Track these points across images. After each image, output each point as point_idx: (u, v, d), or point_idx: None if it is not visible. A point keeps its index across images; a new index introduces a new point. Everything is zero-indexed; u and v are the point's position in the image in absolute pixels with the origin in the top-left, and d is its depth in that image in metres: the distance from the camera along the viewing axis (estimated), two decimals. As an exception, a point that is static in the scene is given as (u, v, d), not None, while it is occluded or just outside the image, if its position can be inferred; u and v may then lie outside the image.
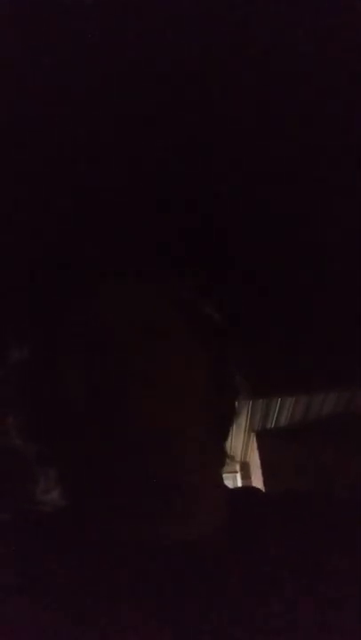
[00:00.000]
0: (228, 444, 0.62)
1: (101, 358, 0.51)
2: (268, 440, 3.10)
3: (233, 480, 3.51)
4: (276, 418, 2.94)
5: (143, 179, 0.58)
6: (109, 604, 0.45)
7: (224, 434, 0.60)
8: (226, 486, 0.58)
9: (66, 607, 0.44)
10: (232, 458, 3.57)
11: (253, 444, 3.19)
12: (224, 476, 0.58)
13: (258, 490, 0.60)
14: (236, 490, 0.59)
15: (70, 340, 0.55)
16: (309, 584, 0.48)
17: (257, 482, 3.23)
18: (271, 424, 3.01)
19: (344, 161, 0.58)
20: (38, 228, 0.56)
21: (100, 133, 0.55)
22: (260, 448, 3.10)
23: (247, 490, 0.61)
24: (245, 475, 3.44)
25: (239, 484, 3.41)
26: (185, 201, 0.60)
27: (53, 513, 0.55)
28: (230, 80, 0.54)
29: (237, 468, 3.51)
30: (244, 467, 3.46)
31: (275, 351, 0.61)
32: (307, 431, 2.95)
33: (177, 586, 0.46)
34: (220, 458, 0.58)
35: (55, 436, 0.53)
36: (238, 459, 3.50)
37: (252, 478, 3.34)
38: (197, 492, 0.51)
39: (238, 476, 3.49)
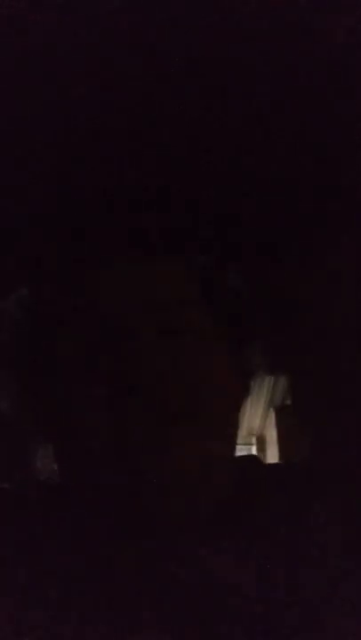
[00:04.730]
0: (246, 417, 0.62)
1: (104, 336, 0.51)
2: (285, 416, 3.10)
3: (248, 451, 3.54)
4: (297, 395, 2.93)
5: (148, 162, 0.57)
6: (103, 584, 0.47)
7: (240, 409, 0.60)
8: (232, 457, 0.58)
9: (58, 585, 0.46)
10: (250, 430, 3.59)
11: (272, 419, 3.19)
12: (239, 447, 0.59)
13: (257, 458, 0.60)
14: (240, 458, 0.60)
15: (73, 314, 0.54)
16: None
17: (271, 456, 3.25)
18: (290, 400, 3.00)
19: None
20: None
21: (102, 126, 0.54)
22: (277, 424, 3.10)
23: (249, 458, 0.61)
24: (260, 448, 3.46)
25: (253, 456, 3.44)
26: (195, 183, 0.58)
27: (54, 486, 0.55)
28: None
29: (253, 440, 3.54)
30: (259, 440, 3.48)
31: (303, 326, 0.60)
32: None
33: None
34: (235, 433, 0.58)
35: (52, 410, 0.53)
36: (255, 432, 3.52)
37: (267, 452, 3.35)
38: (210, 466, 0.51)
39: (253, 448, 3.52)
